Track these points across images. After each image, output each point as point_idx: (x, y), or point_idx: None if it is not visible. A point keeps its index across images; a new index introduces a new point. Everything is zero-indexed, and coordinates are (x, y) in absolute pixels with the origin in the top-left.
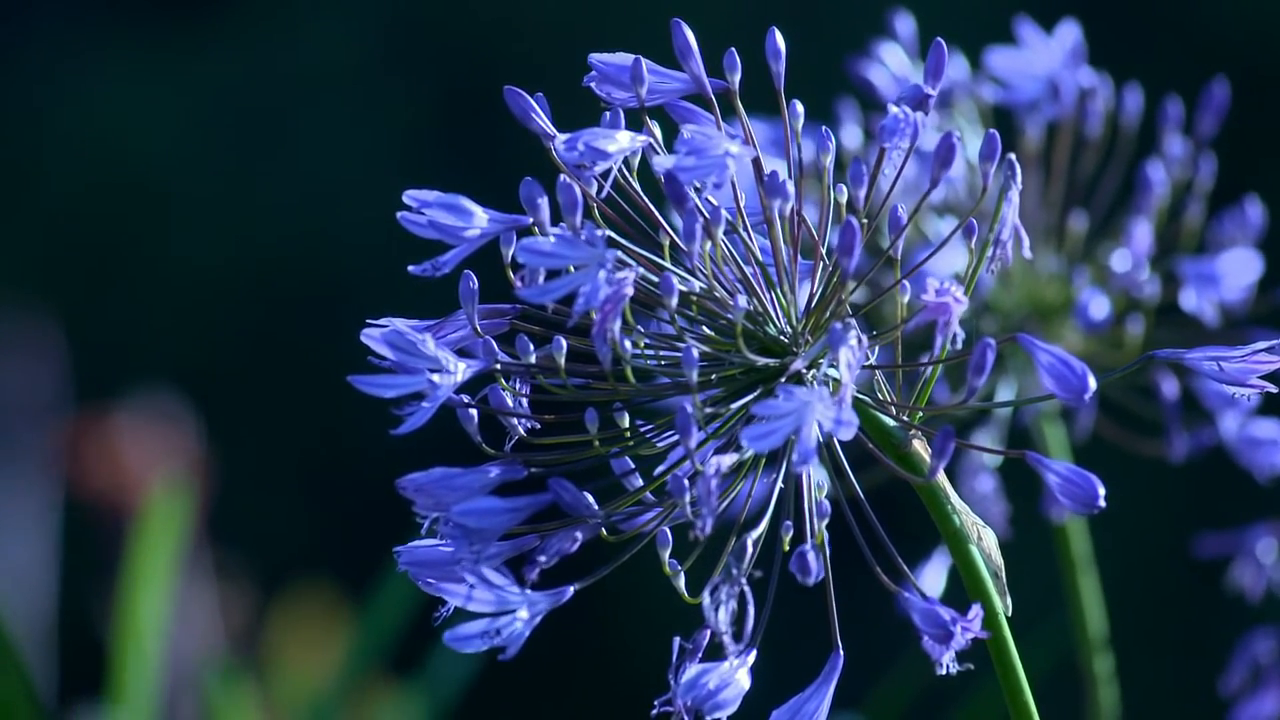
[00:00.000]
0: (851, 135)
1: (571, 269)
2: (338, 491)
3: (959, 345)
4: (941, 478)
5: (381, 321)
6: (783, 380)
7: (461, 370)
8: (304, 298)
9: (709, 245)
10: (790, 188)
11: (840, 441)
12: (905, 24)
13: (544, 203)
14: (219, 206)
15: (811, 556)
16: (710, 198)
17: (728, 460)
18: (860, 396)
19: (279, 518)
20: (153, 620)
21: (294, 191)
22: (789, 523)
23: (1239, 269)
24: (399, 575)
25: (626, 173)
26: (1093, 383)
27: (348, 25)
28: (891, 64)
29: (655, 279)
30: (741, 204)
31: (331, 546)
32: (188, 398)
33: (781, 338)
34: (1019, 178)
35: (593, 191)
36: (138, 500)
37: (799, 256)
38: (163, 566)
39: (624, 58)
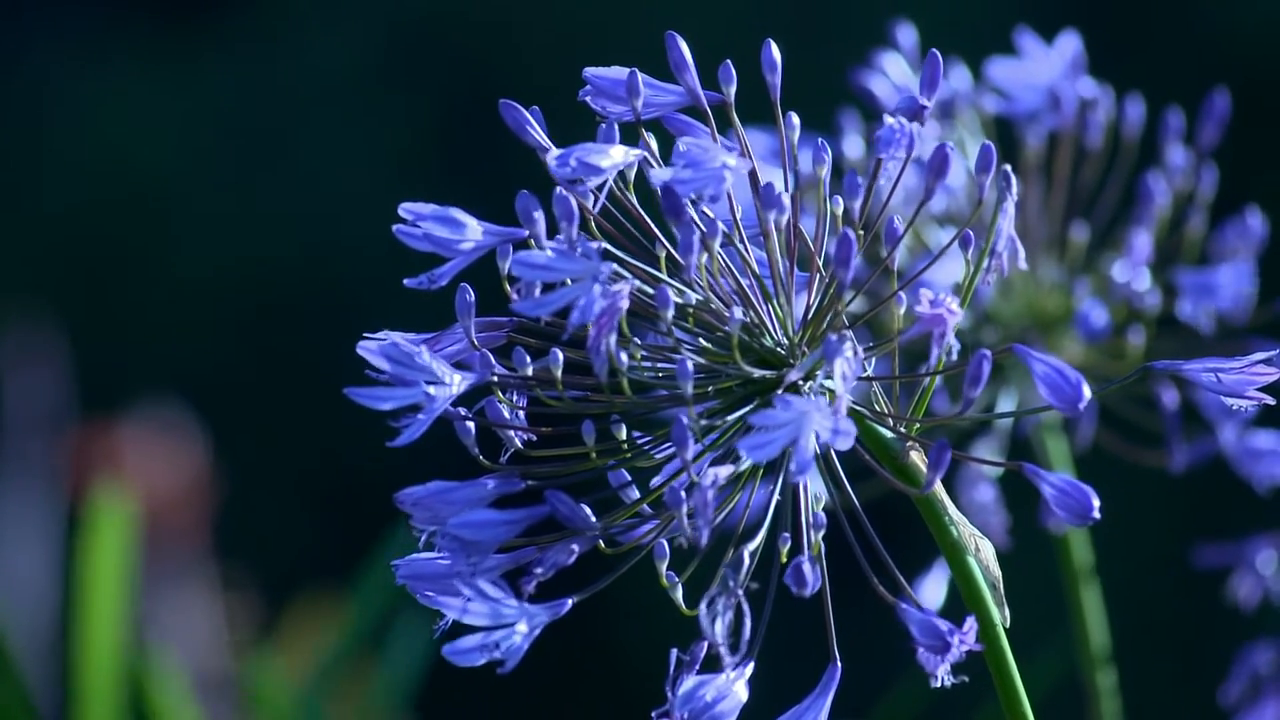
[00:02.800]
0: (853, 145)
1: (568, 282)
2: (342, 500)
3: (954, 356)
4: (939, 489)
5: (378, 334)
6: (779, 392)
7: (458, 383)
8: (306, 309)
9: (705, 258)
10: (786, 200)
11: (838, 453)
12: (907, 34)
13: (539, 216)
14: (221, 218)
15: (808, 568)
16: (706, 210)
17: (724, 472)
18: (857, 408)
19: (283, 527)
20: (108, 629)
21: (295, 202)
22: (786, 534)
23: (1235, 280)
24: (382, 570)
25: (622, 185)
26: (1087, 392)
27: (348, 37)
28: (893, 74)
29: (651, 291)
30: (738, 216)
31: (336, 556)
32: (191, 408)
33: (778, 349)
34: (1014, 190)
35: (589, 204)
36: (144, 511)
37: (796, 268)
38: (113, 572)
39: (619, 71)
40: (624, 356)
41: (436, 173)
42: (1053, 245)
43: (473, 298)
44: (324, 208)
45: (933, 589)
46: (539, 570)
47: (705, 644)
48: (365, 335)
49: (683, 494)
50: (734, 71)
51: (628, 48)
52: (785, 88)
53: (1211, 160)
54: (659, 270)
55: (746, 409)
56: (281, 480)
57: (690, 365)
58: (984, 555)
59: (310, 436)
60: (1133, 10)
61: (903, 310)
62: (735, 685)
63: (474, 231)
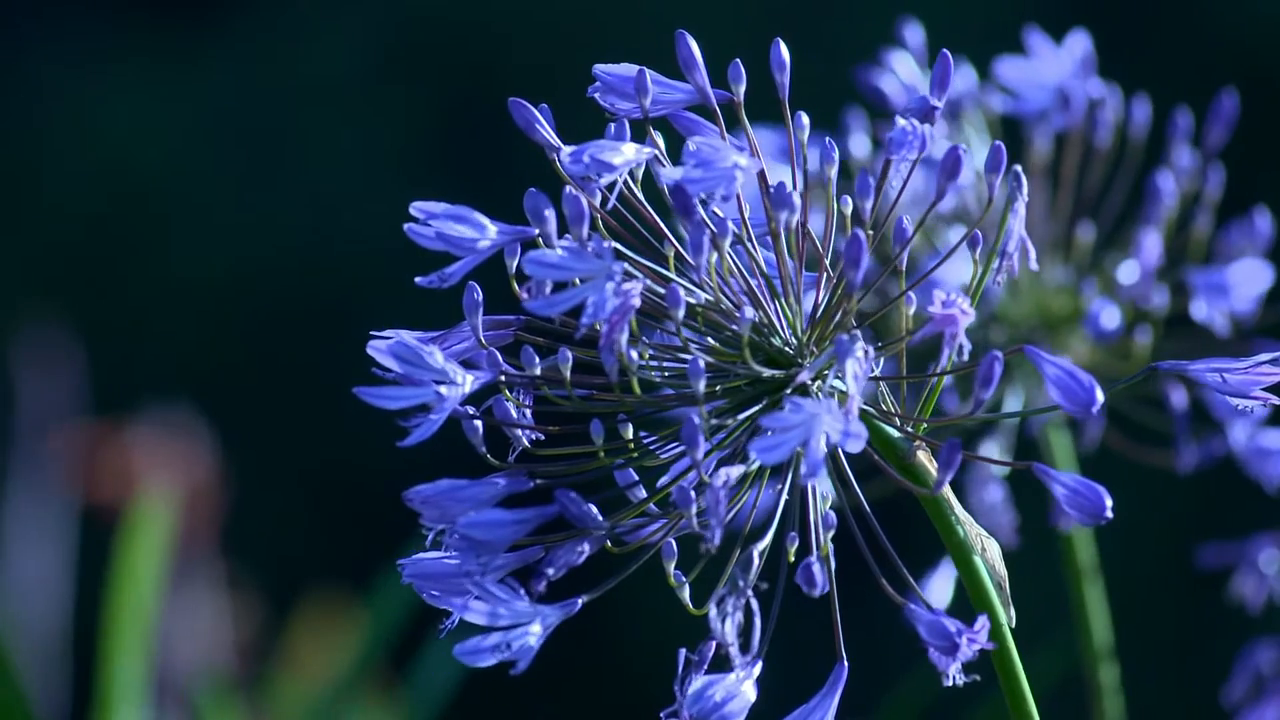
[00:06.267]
0: (860, 145)
1: (578, 281)
2: (348, 501)
3: (965, 356)
4: (946, 489)
5: (387, 333)
6: (788, 391)
7: (468, 382)
8: (311, 310)
9: (715, 257)
10: (796, 200)
11: (846, 453)
12: (914, 33)
13: (550, 214)
14: (225, 218)
15: (817, 568)
16: (716, 209)
17: (735, 472)
18: (865, 408)
19: (288, 527)
20: (140, 630)
21: (298, 203)
22: (794, 534)
23: (1249, 279)
24: (397, 578)
25: (631, 184)
26: (1100, 395)
27: (350, 37)
28: (901, 73)
29: (661, 290)
30: (746, 216)
31: (342, 556)
32: (198, 409)
33: (787, 349)
34: (1025, 189)
35: (597, 203)
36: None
37: (804, 268)
38: (149, 577)
39: (628, 69)
40: (634, 355)
41: (438, 173)
42: (1059, 245)
43: (480, 296)
44: (328, 207)
45: (939, 588)
46: (549, 570)
47: (714, 644)
48: (374, 334)
49: (692, 493)
50: (743, 70)
51: (629, 49)
52: (789, 88)
53: (1219, 160)
54: (667, 269)
55: (755, 408)
56: (287, 481)
57: (701, 364)
58: (990, 555)
59: (314, 435)
60: (1139, 9)
61: (912, 310)
62: (744, 685)
63: (486, 230)
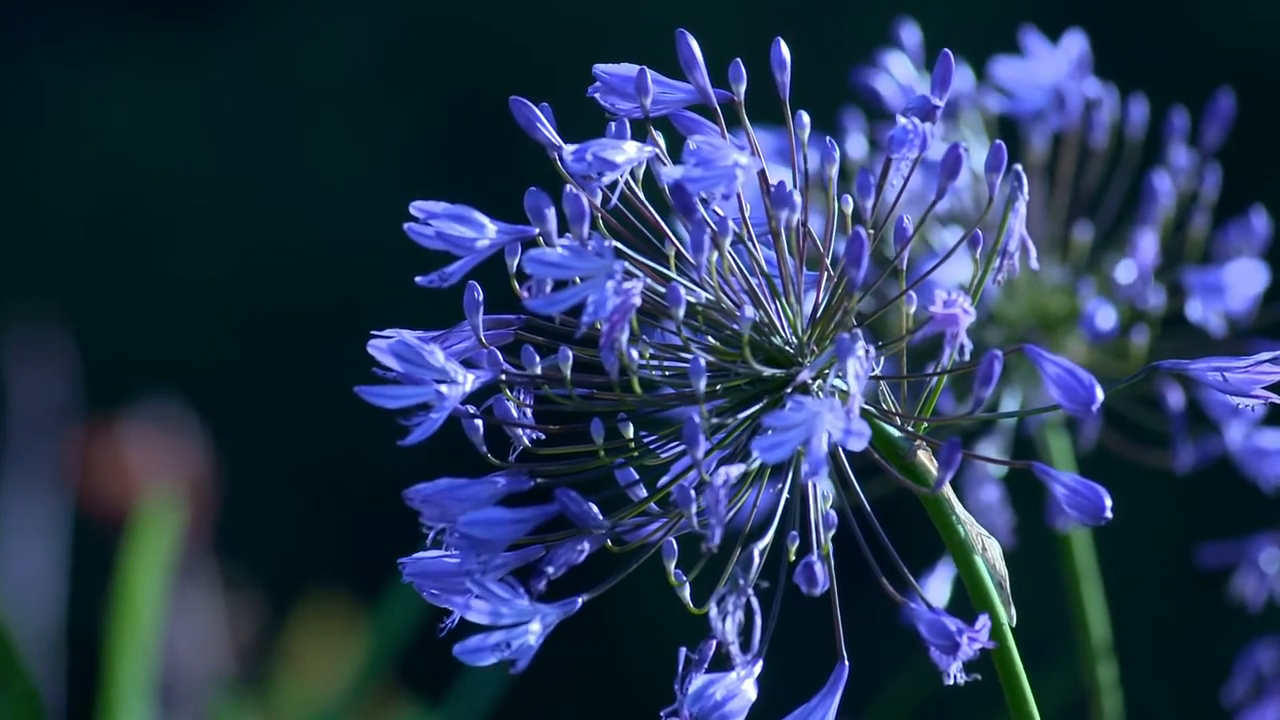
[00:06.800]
0: (856, 145)
1: (578, 280)
2: (346, 500)
3: (966, 356)
4: (946, 488)
5: (388, 332)
6: (789, 390)
7: (468, 381)
8: (310, 309)
9: (716, 256)
10: (797, 198)
11: (846, 452)
12: (911, 34)
13: (551, 213)
14: (223, 217)
15: (818, 567)
16: (717, 208)
17: (736, 470)
18: (865, 407)
19: (287, 528)
20: (145, 631)
21: (297, 203)
22: (795, 533)
23: (1245, 279)
24: (407, 584)
25: (632, 183)
26: (1100, 394)
27: (350, 37)
28: (897, 74)
29: (662, 289)
30: (747, 215)
31: (341, 556)
32: (193, 407)
33: (787, 348)
34: (1026, 188)
35: (598, 202)
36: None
37: (805, 267)
38: (154, 577)
39: (628, 68)
40: (635, 354)
41: (438, 172)
42: (1056, 245)
43: (481, 295)
44: (326, 207)
45: (936, 588)
46: (549, 569)
47: (714, 643)
48: (374, 333)
49: (692, 492)
50: (744, 70)
51: (629, 49)
52: (789, 87)
53: (1215, 160)
54: (668, 268)
55: (756, 407)
56: (287, 481)
57: (702, 362)
58: (990, 554)
59: (312, 434)
60: (1136, 9)
61: (912, 309)
62: (744, 684)
63: (487, 229)
